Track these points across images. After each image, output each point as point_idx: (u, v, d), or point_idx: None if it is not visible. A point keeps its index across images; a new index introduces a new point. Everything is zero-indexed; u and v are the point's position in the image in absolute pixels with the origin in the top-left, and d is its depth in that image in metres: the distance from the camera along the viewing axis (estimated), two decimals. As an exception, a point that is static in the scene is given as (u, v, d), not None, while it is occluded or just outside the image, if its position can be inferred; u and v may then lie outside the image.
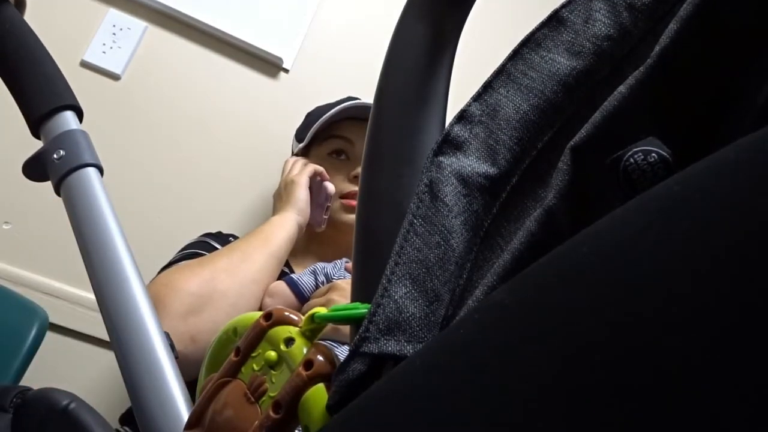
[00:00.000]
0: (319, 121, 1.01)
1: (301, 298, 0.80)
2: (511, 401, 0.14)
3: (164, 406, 0.36)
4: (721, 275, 0.12)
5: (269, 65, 1.27)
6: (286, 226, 0.89)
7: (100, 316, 0.41)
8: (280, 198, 0.97)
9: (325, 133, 1.03)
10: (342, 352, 0.23)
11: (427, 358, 0.18)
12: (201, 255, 0.85)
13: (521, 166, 0.28)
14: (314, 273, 0.83)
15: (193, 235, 1.11)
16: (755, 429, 0.10)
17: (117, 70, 1.16)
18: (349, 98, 1.10)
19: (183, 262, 0.82)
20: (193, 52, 1.22)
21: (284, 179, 0.98)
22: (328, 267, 0.85)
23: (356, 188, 0.99)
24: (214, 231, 1.00)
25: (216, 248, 0.91)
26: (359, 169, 0.98)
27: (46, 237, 1.04)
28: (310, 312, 0.27)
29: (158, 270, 0.85)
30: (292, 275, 0.83)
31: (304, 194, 0.94)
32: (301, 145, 1.05)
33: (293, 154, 1.09)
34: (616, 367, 0.12)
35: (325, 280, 0.82)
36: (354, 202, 0.99)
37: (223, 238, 0.94)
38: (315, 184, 0.98)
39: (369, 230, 0.30)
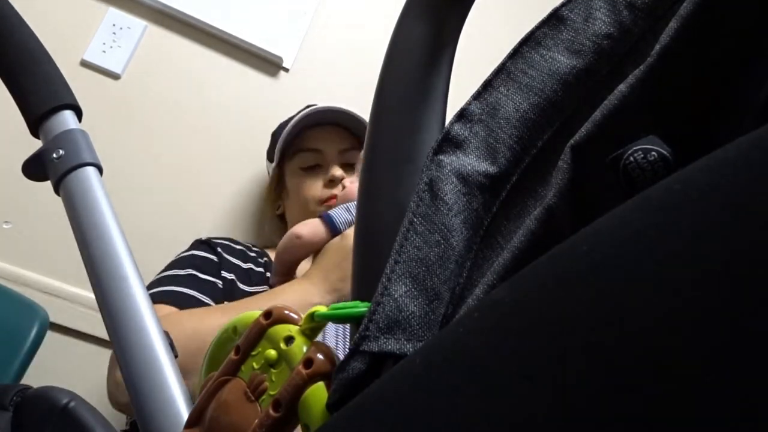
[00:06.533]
0: (280, 139, 1.00)
1: (333, 227, 0.70)
2: (511, 400, 0.14)
3: (164, 405, 0.36)
4: (722, 274, 0.12)
5: (269, 64, 1.27)
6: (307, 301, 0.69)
7: (100, 316, 0.41)
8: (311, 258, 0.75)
9: (292, 148, 1.03)
10: None
11: (426, 357, 0.18)
12: (187, 273, 0.82)
13: (521, 165, 0.28)
14: (349, 210, 0.72)
15: (192, 234, 1.11)
16: (759, 428, 0.10)
17: (117, 70, 1.16)
18: (308, 105, 1.09)
19: (166, 308, 0.73)
20: (193, 51, 1.22)
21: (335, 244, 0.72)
22: None
23: (335, 191, 0.97)
24: (204, 237, 0.97)
25: (206, 259, 0.87)
26: (333, 171, 0.97)
27: (46, 236, 1.04)
28: (310, 310, 0.27)
29: (153, 277, 0.83)
30: (327, 212, 0.72)
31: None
32: (273, 165, 1.04)
33: (269, 175, 1.08)
34: (616, 366, 0.12)
35: None
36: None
37: (213, 246, 0.92)
38: None
39: (369, 228, 0.30)
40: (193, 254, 0.89)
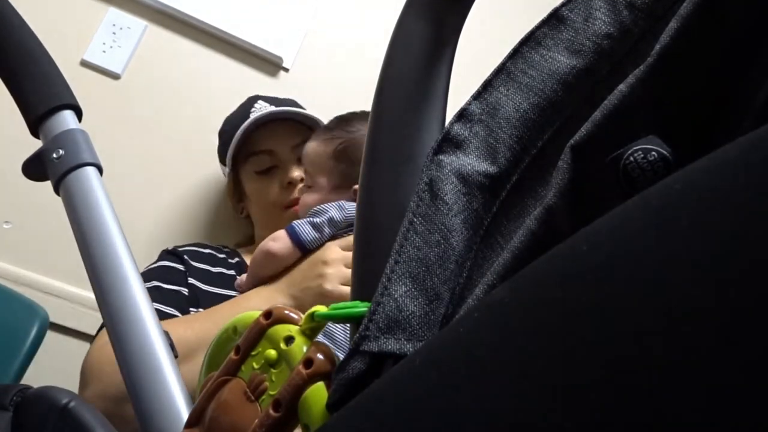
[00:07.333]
0: (231, 145, 0.97)
1: (302, 248, 0.76)
2: (511, 400, 0.14)
3: (164, 405, 0.36)
4: (721, 274, 0.12)
5: (269, 64, 1.27)
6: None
7: (100, 315, 0.41)
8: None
9: (244, 150, 0.99)
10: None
11: (426, 357, 0.18)
12: (152, 285, 0.81)
13: (521, 165, 0.28)
14: (317, 227, 0.76)
15: (192, 235, 1.11)
16: (759, 429, 0.10)
17: (117, 70, 1.16)
18: (250, 99, 1.07)
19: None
20: (193, 51, 1.22)
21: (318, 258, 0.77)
22: (333, 212, 0.77)
23: (296, 194, 0.93)
24: (170, 247, 0.95)
25: (172, 268, 0.87)
26: (292, 173, 0.95)
27: (46, 236, 1.04)
28: (310, 310, 0.27)
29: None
30: (294, 224, 0.77)
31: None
32: (227, 169, 1.02)
33: (227, 178, 1.06)
34: (616, 366, 0.12)
35: (330, 231, 0.77)
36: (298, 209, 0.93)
37: (179, 255, 0.91)
38: None
39: (369, 228, 0.30)
40: (159, 266, 0.89)
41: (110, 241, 0.43)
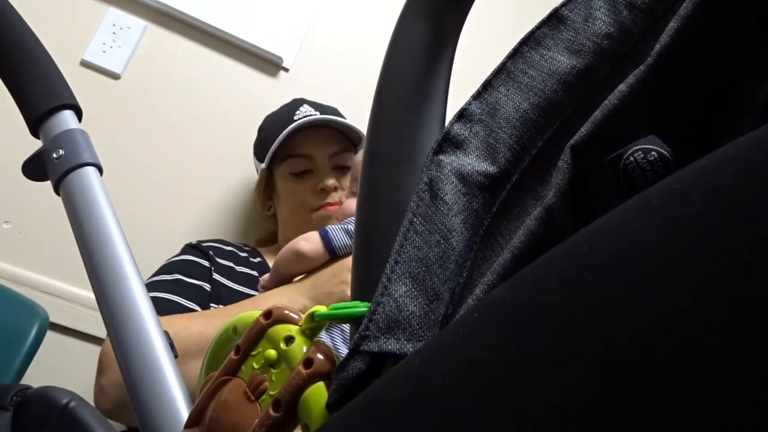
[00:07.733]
0: (273, 145, 0.98)
1: (332, 253, 0.75)
2: (511, 400, 0.14)
3: (164, 404, 0.36)
4: (721, 273, 0.12)
5: (269, 64, 1.27)
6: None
7: (100, 315, 0.41)
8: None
9: (282, 151, 1.00)
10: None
11: (426, 357, 0.18)
12: (174, 278, 0.81)
13: (521, 165, 0.28)
14: (351, 235, 0.76)
15: (193, 235, 1.11)
16: (760, 425, 0.10)
17: (117, 70, 1.16)
18: (295, 101, 1.07)
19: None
20: (193, 51, 1.22)
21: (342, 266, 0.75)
22: None
23: (326, 200, 0.96)
24: (194, 241, 0.96)
25: (196, 263, 0.87)
26: (326, 180, 0.96)
27: (46, 236, 1.04)
28: (310, 310, 0.27)
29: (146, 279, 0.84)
30: (327, 228, 0.77)
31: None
32: (263, 166, 1.02)
33: (258, 173, 1.07)
34: (616, 365, 0.12)
35: None
36: (331, 208, 0.95)
37: (204, 250, 0.91)
38: None
39: (369, 229, 0.30)
40: (182, 259, 0.89)
41: (110, 242, 0.43)
